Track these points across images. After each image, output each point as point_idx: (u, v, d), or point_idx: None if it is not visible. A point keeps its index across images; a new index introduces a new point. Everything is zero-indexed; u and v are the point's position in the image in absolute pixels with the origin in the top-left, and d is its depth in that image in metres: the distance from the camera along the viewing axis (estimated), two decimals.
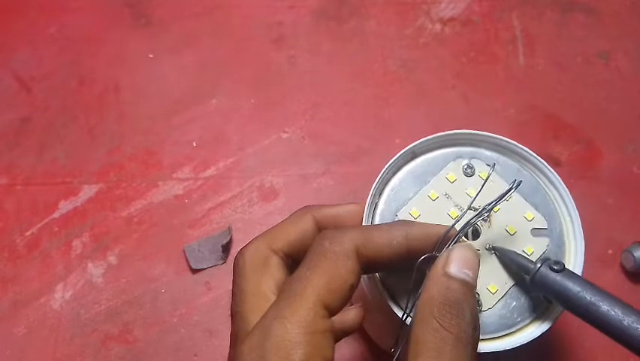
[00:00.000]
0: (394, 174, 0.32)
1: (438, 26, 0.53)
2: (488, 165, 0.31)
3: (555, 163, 0.47)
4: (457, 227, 0.27)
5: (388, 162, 0.31)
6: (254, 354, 0.22)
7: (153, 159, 0.47)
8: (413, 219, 0.30)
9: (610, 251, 0.44)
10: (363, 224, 0.30)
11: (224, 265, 0.43)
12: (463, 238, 0.29)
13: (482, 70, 0.51)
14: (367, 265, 0.25)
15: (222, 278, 0.43)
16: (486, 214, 0.27)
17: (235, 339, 0.25)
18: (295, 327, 0.22)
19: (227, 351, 0.27)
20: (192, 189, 0.46)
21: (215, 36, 0.52)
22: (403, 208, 0.31)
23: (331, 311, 0.24)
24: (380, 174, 0.31)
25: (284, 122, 0.49)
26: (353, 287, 0.25)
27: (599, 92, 0.50)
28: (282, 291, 0.24)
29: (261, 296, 0.26)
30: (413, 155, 0.32)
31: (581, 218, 0.31)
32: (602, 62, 0.51)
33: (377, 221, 0.31)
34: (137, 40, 0.52)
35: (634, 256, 0.42)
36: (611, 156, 0.47)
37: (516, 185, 0.27)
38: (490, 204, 0.27)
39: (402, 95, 0.50)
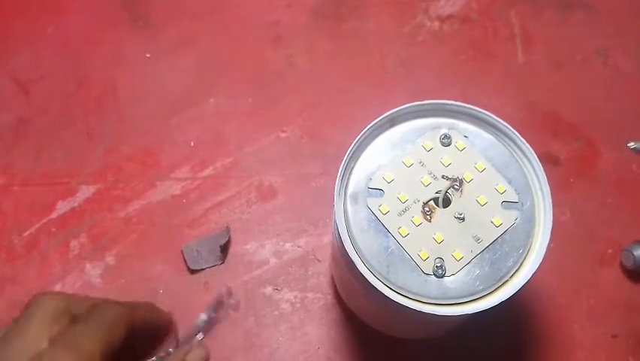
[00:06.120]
0: (372, 140, 0.32)
1: (436, 24, 0.53)
2: (466, 137, 0.32)
3: (554, 162, 0.47)
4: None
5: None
6: None
7: (151, 159, 0.47)
8: (387, 183, 0.31)
9: (610, 251, 0.44)
10: (337, 187, 0.30)
11: (222, 265, 0.43)
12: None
13: (481, 67, 0.51)
14: None
15: (221, 278, 0.43)
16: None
17: None
18: None
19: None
20: (190, 189, 0.46)
21: (213, 36, 0.52)
22: (377, 173, 0.31)
23: None
24: (356, 139, 0.31)
25: (282, 122, 0.49)
26: None
27: (598, 90, 0.50)
28: None
29: None
30: (392, 123, 0.32)
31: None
32: (600, 59, 0.51)
33: (351, 184, 0.31)
34: (135, 41, 0.52)
35: (634, 256, 0.41)
36: (610, 155, 0.47)
37: None
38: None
39: (401, 93, 0.50)
